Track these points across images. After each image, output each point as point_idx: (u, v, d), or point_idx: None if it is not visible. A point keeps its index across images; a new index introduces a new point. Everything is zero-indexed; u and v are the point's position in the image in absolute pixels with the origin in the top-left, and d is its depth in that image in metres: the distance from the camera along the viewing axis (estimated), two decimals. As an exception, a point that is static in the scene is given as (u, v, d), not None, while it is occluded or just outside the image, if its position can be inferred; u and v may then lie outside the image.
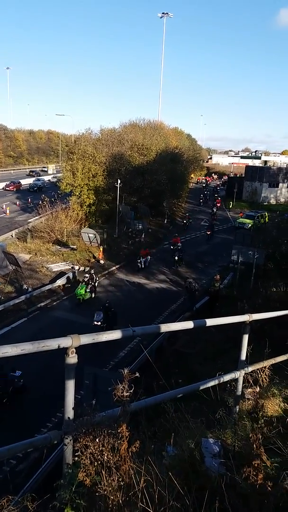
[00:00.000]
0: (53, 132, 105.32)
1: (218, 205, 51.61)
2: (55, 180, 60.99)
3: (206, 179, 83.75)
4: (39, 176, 65.71)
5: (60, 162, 63.53)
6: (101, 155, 36.52)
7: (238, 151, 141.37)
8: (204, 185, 73.58)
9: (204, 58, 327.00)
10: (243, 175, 64.95)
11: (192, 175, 75.40)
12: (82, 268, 26.19)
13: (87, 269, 26.36)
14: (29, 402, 12.27)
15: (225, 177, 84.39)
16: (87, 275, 22.31)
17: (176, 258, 28.61)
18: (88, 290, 21.66)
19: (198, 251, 32.84)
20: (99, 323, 17.55)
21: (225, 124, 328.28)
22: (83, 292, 21.31)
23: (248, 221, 40.68)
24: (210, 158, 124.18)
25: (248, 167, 67.16)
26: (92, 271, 22.93)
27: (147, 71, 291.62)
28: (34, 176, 64.65)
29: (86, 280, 21.98)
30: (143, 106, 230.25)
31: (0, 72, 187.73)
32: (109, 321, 17.43)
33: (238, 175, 76.02)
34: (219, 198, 55.11)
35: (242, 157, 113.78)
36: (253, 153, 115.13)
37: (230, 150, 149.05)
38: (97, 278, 22.99)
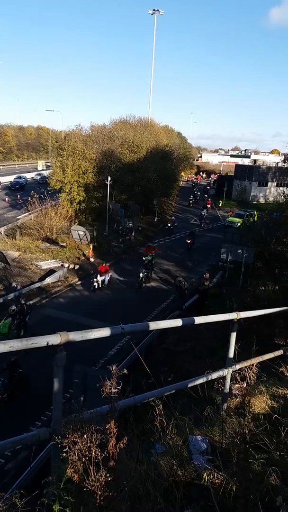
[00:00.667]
0: (43, 128, 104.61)
1: (209, 206, 50.65)
2: (38, 177, 60.21)
3: (195, 178, 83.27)
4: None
5: (50, 158, 62.78)
6: (91, 151, 36.36)
7: (228, 150, 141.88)
8: (193, 184, 72.19)
9: (195, 56, 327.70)
10: (233, 174, 65.32)
11: (182, 174, 75.50)
12: (71, 266, 26.12)
13: (77, 267, 26.27)
14: (19, 401, 12.22)
15: (213, 176, 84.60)
16: (13, 307, 16.84)
17: (141, 275, 23.94)
18: (14, 327, 16.41)
19: (194, 243, 33.01)
20: None
21: (215, 122, 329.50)
22: (6, 331, 16.00)
23: (237, 220, 40.91)
24: (200, 157, 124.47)
25: (237, 166, 67.54)
26: (23, 301, 17.80)
27: (138, 68, 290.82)
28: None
29: (12, 313, 16.58)
30: (133, 103, 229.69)
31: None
32: (15, 386, 12.63)
33: (225, 174, 76.47)
34: (209, 200, 54.12)
35: (231, 156, 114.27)
36: (243, 152, 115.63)
37: (220, 149, 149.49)
38: (29, 311, 17.47)
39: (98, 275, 23.27)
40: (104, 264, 24.52)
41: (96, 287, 22.97)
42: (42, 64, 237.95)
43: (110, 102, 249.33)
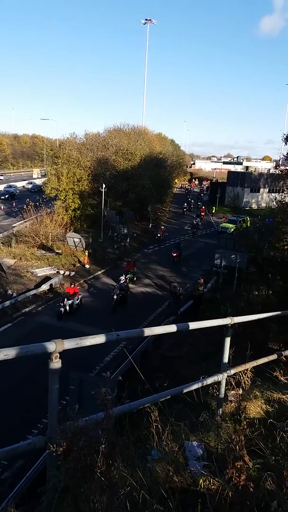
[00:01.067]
0: (37, 136, 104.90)
1: (203, 214, 50.50)
2: (30, 186, 59.74)
3: (189, 185, 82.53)
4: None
5: (45, 167, 62.84)
6: (86, 159, 36.49)
7: (221, 157, 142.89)
8: (186, 190, 71.73)
9: (188, 64, 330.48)
10: (226, 181, 65.71)
11: (176, 180, 75.84)
12: (67, 273, 26.06)
13: (72, 274, 26.21)
14: (13, 408, 12.12)
15: (205, 183, 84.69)
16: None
17: (115, 297, 21.08)
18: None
19: (182, 255, 33.02)
20: None
21: (208, 130, 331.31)
22: None
23: (230, 225, 41.13)
24: (193, 164, 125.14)
25: (230, 173, 67.95)
26: None
27: (131, 77, 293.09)
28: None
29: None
30: (127, 112, 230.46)
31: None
32: None
33: (215, 180, 76.76)
34: (203, 207, 54.01)
35: (224, 163, 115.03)
36: (235, 159, 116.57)
37: (213, 156, 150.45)
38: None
39: (65, 299, 20.10)
40: (72, 286, 21.25)
41: (62, 312, 19.71)
42: (36, 73, 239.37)
43: (104, 110, 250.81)
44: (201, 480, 2.77)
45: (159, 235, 38.13)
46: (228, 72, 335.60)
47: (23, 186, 61.26)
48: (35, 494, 2.37)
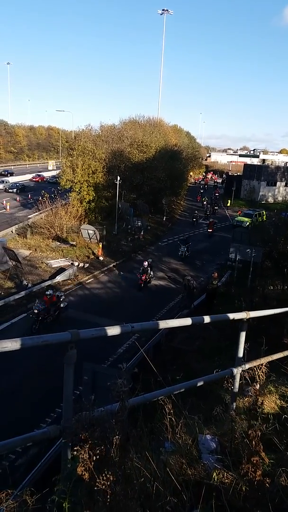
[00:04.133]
0: (53, 128, 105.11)
1: (210, 231, 37.96)
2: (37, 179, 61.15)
3: (203, 180, 78.06)
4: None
5: (60, 158, 63.31)
6: (101, 151, 36.49)
7: (237, 150, 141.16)
8: (201, 190, 62.43)
9: (204, 55, 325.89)
10: (241, 174, 64.97)
11: (191, 173, 75.11)
12: (81, 265, 26.22)
13: (87, 265, 26.37)
14: (27, 397, 12.30)
15: (215, 177, 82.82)
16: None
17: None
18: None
19: (196, 248, 32.90)
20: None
21: (225, 122, 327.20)
22: None
23: (246, 219, 40.72)
24: (209, 156, 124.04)
25: (246, 166, 67.14)
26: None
27: (147, 68, 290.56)
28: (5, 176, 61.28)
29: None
30: (143, 103, 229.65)
31: (0, 68, 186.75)
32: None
33: (230, 173, 75.33)
34: (212, 220, 40.62)
35: (240, 156, 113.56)
36: (251, 152, 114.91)
37: (229, 149, 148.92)
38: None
39: (40, 309, 16.74)
40: (49, 295, 17.65)
41: (36, 327, 16.50)
42: (52, 65, 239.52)
43: (119, 102, 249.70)
44: (214, 474, 2.76)
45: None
46: (246, 63, 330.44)
47: (30, 180, 61.79)
48: (49, 482, 2.38)
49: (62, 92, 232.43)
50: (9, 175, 62.65)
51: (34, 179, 61.74)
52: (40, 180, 61.64)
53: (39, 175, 63.90)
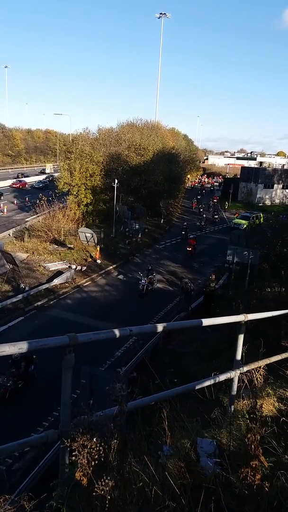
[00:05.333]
0: (51, 131, 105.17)
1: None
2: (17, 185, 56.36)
3: (200, 183, 76.02)
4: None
5: (58, 162, 62.93)
6: (99, 154, 36.54)
7: (234, 152, 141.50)
8: (198, 195, 58.90)
9: (202, 58, 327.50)
10: (239, 176, 65.13)
11: (188, 176, 75.15)
12: (79, 268, 26.18)
13: (84, 268, 26.33)
14: (26, 400, 12.24)
15: (210, 180, 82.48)
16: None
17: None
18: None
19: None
20: None
21: (222, 124, 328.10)
22: None
23: (243, 221, 40.81)
24: (207, 159, 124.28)
25: (243, 168, 67.38)
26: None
27: (145, 71, 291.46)
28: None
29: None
30: (140, 106, 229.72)
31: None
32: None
33: (226, 176, 75.00)
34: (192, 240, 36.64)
35: (237, 158, 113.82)
36: (249, 154, 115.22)
37: (226, 151, 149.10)
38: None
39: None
40: (16, 362, 12.73)
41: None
42: (50, 68, 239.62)
43: (117, 105, 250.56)
44: (213, 477, 2.75)
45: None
46: (244, 66, 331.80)
47: (10, 186, 56.42)
48: (47, 487, 2.37)
49: (60, 95, 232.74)
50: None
51: (14, 185, 55.54)
52: (21, 187, 55.37)
53: (20, 181, 57.57)
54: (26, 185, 57.23)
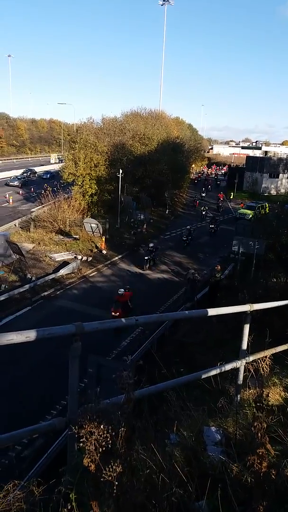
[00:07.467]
0: (55, 121, 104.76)
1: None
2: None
3: (204, 174, 74.10)
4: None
5: (62, 152, 62.64)
6: (103, 144, 36.37)
7: (239, 142, 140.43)
8: (202, 193, 53.88)
9: (206, 47, 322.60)
10: (244, 166, 64.67)
11: (193, 165, 74.65)
12: (85, 258, 26.25)
13: (90, 259, 26.39)
14: (31, 392, 12.37)
15: (212, 170, 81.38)
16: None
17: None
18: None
19: (199, 242, 32.85)
20: None
21: (227, 114, 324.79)
22: None
23: (248, 211, 40.58)
24: (211, 149, 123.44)
25: (248, 158, 66.88)
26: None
27: (149, 60, 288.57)
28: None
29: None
30: (144, 96, 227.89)
31: (1, 60, 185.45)
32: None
33: (231, 165, 74.15)
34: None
35: (242, 148, 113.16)
36: (254, 144, 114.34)
37: (231, 141, 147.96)
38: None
39: None
40: None
41: None
42: (53, 57, 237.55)
43: (121, 94, 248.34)
44: (220, 465, 2.77)
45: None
46: (249, 54, 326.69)
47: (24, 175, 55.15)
48: (56, 473, 2.40)
49: (64, 84, 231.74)
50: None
51: None
52: None
53: None
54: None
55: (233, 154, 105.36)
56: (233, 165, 78.68)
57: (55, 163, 68.03)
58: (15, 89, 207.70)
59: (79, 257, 26.11)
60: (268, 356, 4.60)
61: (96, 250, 28.38)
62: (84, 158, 34.14)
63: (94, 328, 2.87)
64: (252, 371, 4.37)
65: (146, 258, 26.08)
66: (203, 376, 4.27)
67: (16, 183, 49.16)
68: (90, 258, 26.72)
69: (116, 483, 1.81)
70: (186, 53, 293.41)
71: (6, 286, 20.31)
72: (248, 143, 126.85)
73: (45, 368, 13.17)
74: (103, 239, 28.95)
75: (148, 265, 25.91)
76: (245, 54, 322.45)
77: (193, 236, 32.64)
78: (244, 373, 4.62)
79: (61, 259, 25.29)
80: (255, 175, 59.31)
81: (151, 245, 27.18)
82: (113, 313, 16.10)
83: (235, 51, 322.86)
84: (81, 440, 1.87)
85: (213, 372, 4.37)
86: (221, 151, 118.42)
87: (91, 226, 29.50)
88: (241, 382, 4.61)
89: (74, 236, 29.20)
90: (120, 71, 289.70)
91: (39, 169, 61.92)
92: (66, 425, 2.48)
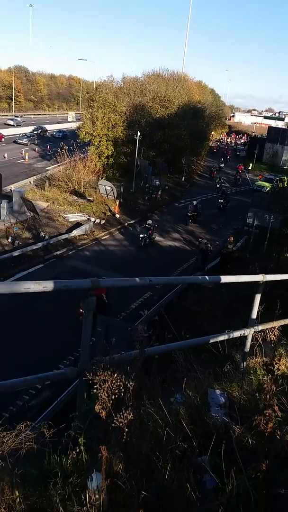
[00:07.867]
0: (74, 77, 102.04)
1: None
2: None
3: (224, 147, 66.67)
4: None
5: (80, 110, 61.30)
6: (122, 104, 35.50)
7: (262, 111, 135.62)
8: (221, 163, 50.92)
9: (233, 9, 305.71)
10: (265, 136, 62.75)
11: (213, 133, 72.58)
12: (97, 221, 26.23)
13: (103, 222, 26.36)
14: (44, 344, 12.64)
15: (232, 139, 78.67)
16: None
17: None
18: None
19: (214, 212, 32.51)
20: None
21: (252, 81, 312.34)
22: None
23: (266, 184, 39.74)
24: (233, 116, 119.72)
25: (271, 128, 64.70)
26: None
27: (174, 19, 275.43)
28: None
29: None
30: (167, 56, 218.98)
31: (22, 10, 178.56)
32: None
33: (252, 135, 71.66)
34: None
35: (265, 117, 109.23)
36: (277, 114, 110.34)
37: (254, 109, 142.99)
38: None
39: None
40: None
41: None
42: (75, 11, 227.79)
43: (144, 54, 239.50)
44: (223, 426, 2.84)
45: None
46: (278, 18, 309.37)
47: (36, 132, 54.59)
48: (65, 420, 2.49)
49: (85, 39, 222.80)
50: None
51: None
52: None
53: None
54: (2, 139, 48.35)
55: (255, 123, 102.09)
56: (254, 135, 76.44)
57: (72, 121, 66.66)
58: (35, 42, 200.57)
59: (92, 219, 26.10)
60: (277, 327, 4.62)
61: (109, 213, 28.29)
62: (102, 118, 33.42)
63: (109, 284, 2.90)
64: (260, 340, 4.41)
65: (141, 236, 23.42)
66: (211, 341, 4.33)
67: (24, 141, 47.85)
68: (103, 221, 26.69)
69: (126, 429, 1.87)
70: (213, 15, 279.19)
71: (20, 243, 20.51)
72: (271, 113, 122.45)
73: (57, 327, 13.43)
74: (117, 202, 28.78)
75: (142, 243, 23.24)
76: (275, 18, 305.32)
77: (199, 213, 29.48)
78: (251, 342, 4.66)
79: (74, 220, 25.32)
80: (276, 147, 57.60)
81: (149, 221, 24.77)
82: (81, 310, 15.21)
83: (265, 18, 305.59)
84: (95, 386, 1.92)
85: (221, 338, 4.41)
86: (243, 120, 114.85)
87: (105, 189, 29.28)
88: (248, 350, 4.66)
89: (88, 198, 29.08)
90: (143, 29, 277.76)
91: (50, 127, 60.83)
92: (77, 375, 2.55)
